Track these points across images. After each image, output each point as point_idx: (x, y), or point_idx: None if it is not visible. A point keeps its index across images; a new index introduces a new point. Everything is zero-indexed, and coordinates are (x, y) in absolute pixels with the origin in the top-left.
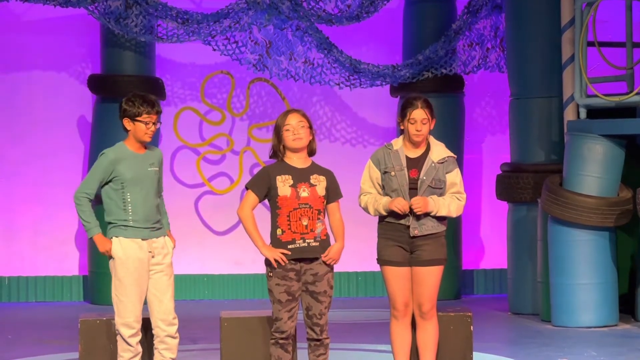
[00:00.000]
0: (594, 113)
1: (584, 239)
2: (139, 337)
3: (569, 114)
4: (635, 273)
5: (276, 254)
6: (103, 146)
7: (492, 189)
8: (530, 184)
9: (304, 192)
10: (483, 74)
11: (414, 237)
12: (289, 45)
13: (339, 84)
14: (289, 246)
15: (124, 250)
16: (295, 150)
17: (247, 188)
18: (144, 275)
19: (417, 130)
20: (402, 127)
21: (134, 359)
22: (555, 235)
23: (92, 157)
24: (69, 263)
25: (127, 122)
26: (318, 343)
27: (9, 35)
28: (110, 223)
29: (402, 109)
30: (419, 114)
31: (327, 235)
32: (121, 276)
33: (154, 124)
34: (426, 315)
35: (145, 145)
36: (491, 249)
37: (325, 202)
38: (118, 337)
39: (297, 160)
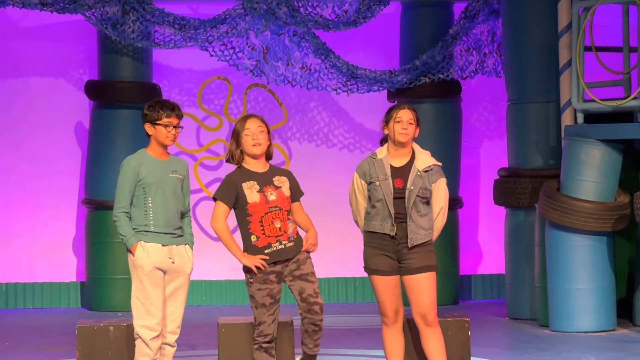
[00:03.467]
0: (592, 118)
1: (581, 244)
2: (159, 342)
3: (567, 119)
4: (633, 278)
5: (256, 261)
6: (100, 152)
7: (490, 194)
8: (527, 188)
9: (271, 196)
10: (480, 79)
11: (411, 247)
12: (286, 50)
13: (336, 90)
14: (266, 251)
15: (146, 253)
16: (254, 156)
17: (215, 199)
18: (164, 280)
19: (403, 129)
20: (386, 132)
21: None
22: (553, 240)
23: (89, 163)
24: (66, 269)
25: (148, 127)
26: (316, 328)
27: (7, 41)
28: (132, 229)
29: (387, 113)
30: (405, 113)
31: (297, 233)
32: (143, 279)
33: (175, 127)
34: (431, 323)
35: (169, 154)
36: (489, 254)
37: (290, 202)
38: (137, 342)
39: (257, 165)
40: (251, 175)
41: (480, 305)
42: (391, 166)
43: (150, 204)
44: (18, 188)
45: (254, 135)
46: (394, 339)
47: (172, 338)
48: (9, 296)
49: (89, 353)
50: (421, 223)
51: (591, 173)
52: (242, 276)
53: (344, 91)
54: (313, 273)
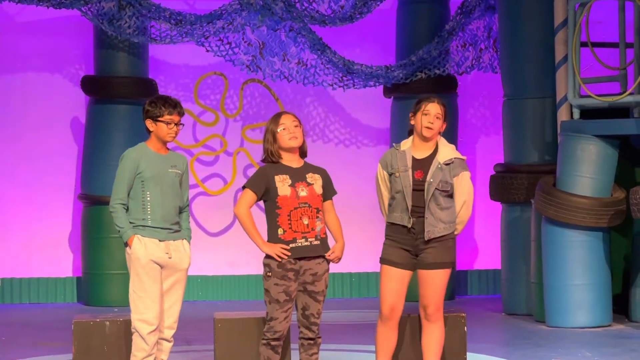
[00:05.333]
0: (588, 113)
1: (577, 240)
2: (156, 337)
3: (563, 115)
4: (628, 273)
5: (277, 249)
6: (97, 147)
7: (486, 190)
8: (523, 184)
9: (302, 192)
10: (476, 75)
11: (428, 240)
12: (282, 46)
13: (332, 85)
14: (291, 245)
15: (144, 247)
16: (290, 151)
17: (244, 187)
18: (161, 274)
19: (430, 122)
20: (412, 122)
21: (148, 359)
22: (549, 236)
23: (85, 158)
24: (62, 265)
25: (149, 123)
26: (312, 342)
27: (3, 36)
28: (129, 222)
29: (416, 103)
30: (434, 107)
31: (325, 233)
32: (140, 273)
33: (176, 124)
34: (431, 317)
35: (169, 149)
36: (485, 249)
37: (322, 201)
38: (134, 336)
39: (292, 161)
40: (285, 170)
41: (476, 300)
42: (413, 158)
43: (148, 198)
44: (14, 183)
45: (289, 129)
46: (387, 336)
47: (169, 333)
48: (5, 291)
49: (85, 348)
50: (440, 216)
51: (587, 169)
52: (238, 271)
53: (340, 87)
54: (323, 292)
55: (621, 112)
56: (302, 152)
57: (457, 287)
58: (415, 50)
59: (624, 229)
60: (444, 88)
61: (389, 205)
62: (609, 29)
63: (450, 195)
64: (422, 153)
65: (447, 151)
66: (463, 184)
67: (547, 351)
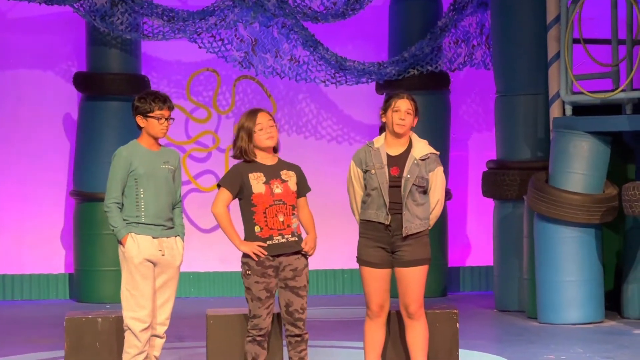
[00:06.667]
0: (580, 110)
1: (569, 236)
2: (149, 334)
3: (555, 111)
4: (621, 270)
5: (254, 248)
6: (89, 144)
7: (478, 186)
8: (516, 181)
9: (277, 189)
10: (469, 71)
11: (405, 237)
12: (274, 42)
13: (324, 82)
14: (268, 242)
15: (137, 245)
16: (264, 149)
17: (219, 186)
18: (154, 272)
19: (401, 119)
20: (383, 120)
21: (140, 356)
22: (541, 232)
23: (78, 154)
24: (54, 261)
25: (140, 119)
26: (299, 339)
27: None
28: (123, 220)
29: (386, 101)
30: (404, 103)
31: (300, 230)
32: (133, 270)
33: (166, 119)
34: (414, 315)
35: (161, 145)
36: (477, 246)
37: (296, 197)
38: (126, 333)
39: (266, 158)
40: (259, 167)
41: (469, 297)
42: (388, 155)
43: (142, 195)
44: (6, 180)
45: (266, 129)
46: (375, 332)
47: (161, 329)
48: None
49: (77, 345)
50: (417, 212)
51: (579, 165)
52: (230, 268)
53: (332, 83)
54: (305, 287)
55: (613, 108)
56: (275, 149)
57: (449, 284)
58: (408, 46)
59: (616, 226)
60: (436, 85)
61: (363, 202)
62: (602, 25)
63: (425, 192)
64: (396, 150)
65: (421, 147)
66: (438, 179)
67: (540, 348)
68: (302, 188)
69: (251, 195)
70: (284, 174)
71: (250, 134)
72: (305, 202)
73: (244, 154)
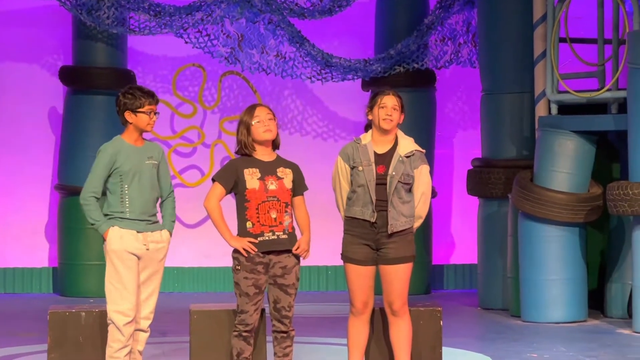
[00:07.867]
0: (565, 109)
1: (554, 235)
2: (132, 328)
3: (541, 110)
4: (604, 269)
5: (244, 243)
6: (74, 138)
7: (463, 184)
8: (501, 179)
9: (271, 185)
10: (455, 69)
11: (390, 234)
12: (261, 38)
13: (310, 78)
14: (259, 239)
15: (121, 239)
16: (263, 144)
17: (213, 180)
18: (138, 266)
19: (387, 115)
20: (370, 117)
21: (124, 350)
22: (526, 231)
23: (63, 148)
24: (38, 255)
25: (128, 115)
26: (285, 335)
27: None
28: (106, 215)
29: (372, 98)
30: (390, 99)
31: (293, 228)
32: (116, 264)
33: (155, 113)
34: (397, 312)
35: (144, 140)
36: (461, 244)
37: (292, 195)
38: (110, 327)
39: (264, 154)
40: (255, 163)
41: (452, 295)
42: (375, 152)
43: (126, 191)
44: None
45: (264, 122)
46: (359, 329)
47: (145, 323)
48: None
49: (61, 339)
50: (402, 210)
51: (564, 164)
52: (214, 263)
53: (318, 79)
54: (294, 285)
55: (599, 108)
56: (275, 145)
57: (433, 282)
58: (394, 44)
59: (601, 225)
60: (422, 82)
61: (348, 199)
62: (588, 25)
63: (411, 189)
64: (382, 147)
65: (407, 144)
66: (422, 177)
67: (523, 346)
68: (299, 187)
69: (245, 190)
70: (280, 171)
71: (248, 128)
72: (302, 202)
73: (243, 147)
